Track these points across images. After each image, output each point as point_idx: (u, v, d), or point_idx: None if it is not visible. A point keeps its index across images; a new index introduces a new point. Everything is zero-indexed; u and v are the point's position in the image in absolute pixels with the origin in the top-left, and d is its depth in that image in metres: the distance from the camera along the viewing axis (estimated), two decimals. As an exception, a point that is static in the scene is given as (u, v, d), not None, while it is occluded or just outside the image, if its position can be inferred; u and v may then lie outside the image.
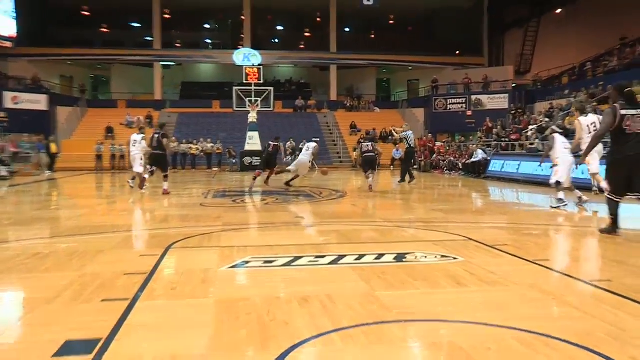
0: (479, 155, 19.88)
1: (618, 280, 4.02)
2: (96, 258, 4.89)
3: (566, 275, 4.18)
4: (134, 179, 13.47)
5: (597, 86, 21.64)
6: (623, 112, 5.61)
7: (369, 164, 13.43)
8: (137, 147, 13.00)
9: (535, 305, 3.46)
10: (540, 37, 33.33)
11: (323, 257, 4.94)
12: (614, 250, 5.35)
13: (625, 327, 3.00)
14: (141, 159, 12.83)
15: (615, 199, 5.79)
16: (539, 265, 4.57)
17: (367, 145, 13.88)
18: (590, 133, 8.80)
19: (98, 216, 8.45)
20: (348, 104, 35.03)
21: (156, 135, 12.52)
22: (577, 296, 3.64)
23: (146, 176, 12.66)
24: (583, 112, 9.85)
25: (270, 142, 14.21)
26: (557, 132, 10.33)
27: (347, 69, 36.94)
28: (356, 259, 4.85)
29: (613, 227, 5.86)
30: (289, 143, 28.49)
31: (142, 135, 13.21)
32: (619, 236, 5.81)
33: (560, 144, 9.68)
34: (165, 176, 12.40)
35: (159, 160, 12.36)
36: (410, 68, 37.50)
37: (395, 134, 16.63)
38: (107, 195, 13.47)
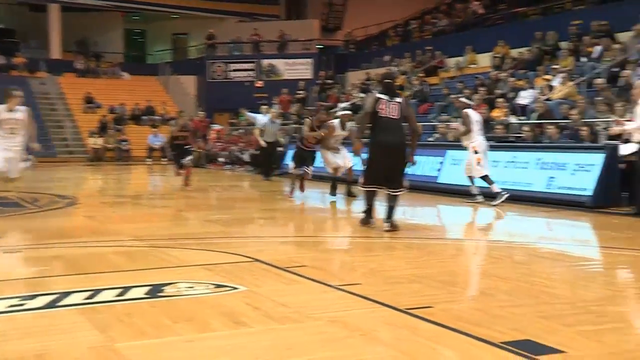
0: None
1: (440, 305, 4.53)
2: None
3: (379, 303, 4.57)
4: None
5: (424, 51, 24.13)
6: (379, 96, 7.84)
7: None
8: None
9: (337, 346, 3.71)
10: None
11: (33, 297, 4.72)
12: (439, 268, 6.03)
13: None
14: None
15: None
16: (345, 291, 4.93)
17: None
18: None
19: None
20: (81, 66, 33.56)
21: None
22: (391, 330, 4.01)
23: None
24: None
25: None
26: (470, 107, 11.39)
27: (77, 11, 35.31)
28: (88, 298, 4.72)
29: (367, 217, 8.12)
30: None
31: None
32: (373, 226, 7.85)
33: (476, 123, 10.93)
34: None
35: None
36: (175, 16, 37.40)
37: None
38: None
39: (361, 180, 8.23)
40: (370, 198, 8.08)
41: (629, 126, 9.84)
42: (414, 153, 8.06)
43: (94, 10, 35.54)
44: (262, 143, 16.73)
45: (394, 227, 7.79)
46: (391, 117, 7.72)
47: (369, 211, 8.11)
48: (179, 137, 14.15)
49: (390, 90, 7.98)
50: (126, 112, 30.05)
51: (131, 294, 4.85)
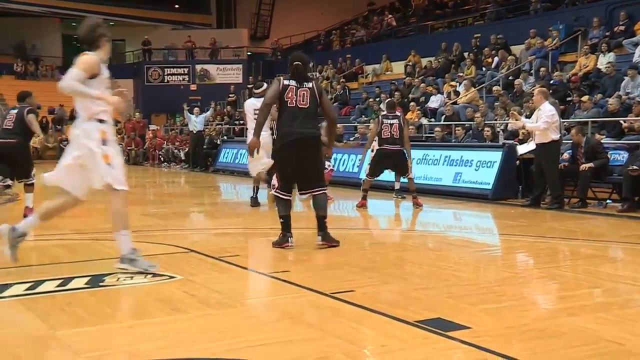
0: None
1: (361, 289, 4.58)
2: None
3: (307, 288, 4.57)
4: None
5: (345, 59, 24.29)
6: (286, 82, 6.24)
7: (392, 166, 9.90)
8: None
9: (268, 328, 3.70)
10: (280, -5, 35.83)
11: (-25, 290, 4.52)
12: (360, 256, 6.10)
13: (364, 344, 3.42)
14: None
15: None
16: (275, 278, 4.92)
17: (393, 124, 9.45)
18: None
19: None
20: (19, 69, 32.26)
21: (13, 112, 8.97)
22: (317, 312, 4.03)
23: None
24: None
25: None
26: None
27: (13, 16, 33.90)
28: (28, 289, 4.56)
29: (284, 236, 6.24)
30: None
31: None
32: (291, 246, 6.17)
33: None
34: (28, 185, 9.09)
35: (12, 156, 8.95)
36: (111, 23, 36.43)
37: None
38: None
39: (274, 183, 6.92)
40: (285, 208, 6.35)
41: (526, 123, 10.00)
42: (331, 145, 6.78)
43: (32, 16, 34.21)
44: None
45: (327, 241, 6.26)
46: (300, 106, 6.14)
47: (285, 226, 6.30)
48: None
49: (301, 75, 6.26)
50: (66, 113, 29.09)
51: (72, 284, 4.71)
